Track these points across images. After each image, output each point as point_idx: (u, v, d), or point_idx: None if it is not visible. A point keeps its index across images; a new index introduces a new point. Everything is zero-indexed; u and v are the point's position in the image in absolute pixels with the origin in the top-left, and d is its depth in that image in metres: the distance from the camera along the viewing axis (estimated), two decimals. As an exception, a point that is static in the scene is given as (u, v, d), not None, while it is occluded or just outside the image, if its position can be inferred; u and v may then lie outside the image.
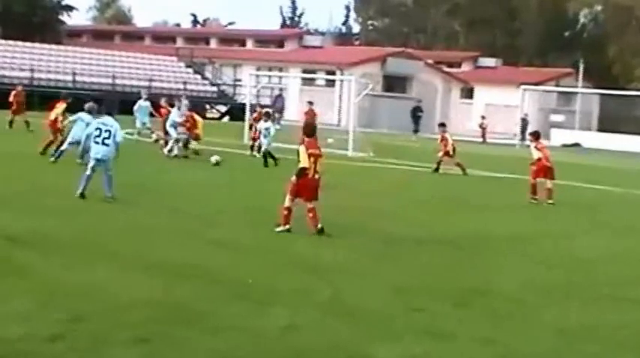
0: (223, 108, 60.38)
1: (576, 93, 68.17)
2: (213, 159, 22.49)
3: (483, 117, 58.09)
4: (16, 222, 12.04)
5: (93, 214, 13.33)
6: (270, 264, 10.54)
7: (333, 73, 62.61)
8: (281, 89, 43.61)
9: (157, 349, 7.01)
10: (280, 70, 66.80)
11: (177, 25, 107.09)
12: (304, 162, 12.90)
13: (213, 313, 8.09)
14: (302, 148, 12.99)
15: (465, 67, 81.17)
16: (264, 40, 77.35)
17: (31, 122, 28.22)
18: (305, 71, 64.94)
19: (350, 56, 68.91)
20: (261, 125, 24.87)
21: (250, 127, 28.13)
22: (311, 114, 30.26)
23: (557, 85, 71.44)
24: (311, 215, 12.79)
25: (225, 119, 58.96)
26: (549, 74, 76.23)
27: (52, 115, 21.78)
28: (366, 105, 56.25)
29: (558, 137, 58.56)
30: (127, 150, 16.15)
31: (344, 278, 10.03)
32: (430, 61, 73.92)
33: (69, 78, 50.23)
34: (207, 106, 59.75)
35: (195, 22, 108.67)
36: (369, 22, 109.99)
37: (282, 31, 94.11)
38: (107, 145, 14.78)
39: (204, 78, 61.26)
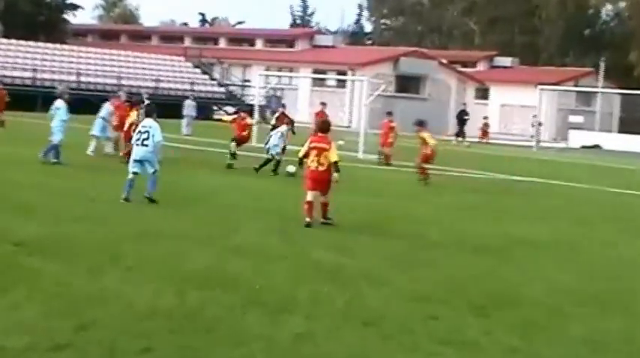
0: (231, 110, 60.42)
1: (596, 93, 67.92)
2: (290, 169, 22.11)
3: (486, 118, 58.22)
4: (26, 227, 11.98)
5: (107, 219, 13.27)
6: (288, 271, 10.44)
7: (345, 74, 62.58)
8: (275, 89, 43.49)
9: (168, 359, 6.94)
10: (290, 70, 66.83)
11: (185, 24, 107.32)
12: (301, 152, 14.38)
13: (227, 321, 8.01)
14: (308, 141, 14.35)
15: (481, 67, 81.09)
16: (273, 39, 77.39)
17: (33, 124, 28.30)
18: (316, 71, 64.94)
19: (362, 56, 68.89)
20: (280, 130, 23.92)
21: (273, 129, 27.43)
22: (322, 116, 30.10)
23: (576, 85, 71.20)
24: (321, 207, 14.09)
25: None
26: (568, 74, 76.02)
27: (126, 126, 21.92)
28: (379, 107, 56.16)
29: (577, 138, 58.38)
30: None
31: (363, 284, 9.92)
32: (444, 61, 73.81)
33: (73, 78, 50.35)
34: (215, 107, 59.83)
35: (203, 21, 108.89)
36: (383, 21, 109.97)
37: (293, 30, 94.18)
38: (146, 146, 15.42)
39: (212, 78, 61.36)
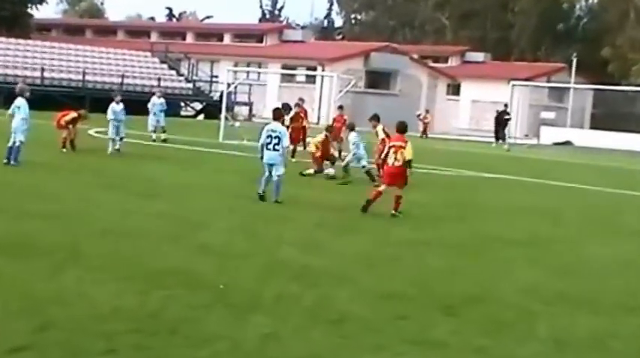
0: (199, 106, 60.21)
1: (568, 88, 68.38)
2: (329, 171, 21.92)
3: (427, 111, 58.76)
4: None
5: (68, 218, 13.17)
6: (254, 270, 10.41)
7: (314, 69, 62.61)
8: (229, 85, 43.31)
9: (131, 360, 6.91)
10: (259, 65, 66.67)
11: (152, 19, 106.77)
12: (384, 152, 16.26)
13: (192, 321, 7.97)
14: (387, 140, 17.02)
15: (453, 62, 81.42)
16: (242, 34, 77.23)
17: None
18: (285, 67, 64.88)
19: (332, 51, 68.91)
20: (351, 138, 22.39)
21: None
22: (341, 121, 29.10)
23: (548, 81, 71.63)
24: (394, 198, 15.70)
25: (201, 117, 58.82)
26: (540, 69, 76.46)
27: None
28: (349, 103, 56.25)
29: (549, 135, 58.79)
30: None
31: (330, 283, 9.93)
32: (416, 56, 74.01)
33: (37, 74, 49.89)
34: (182, 104, 59.60)
35: (170, 15, 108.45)
36: (353, 15, 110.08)
37: (262, 25, 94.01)
38: (277, 151, 16.40)
39: (179, 74, 61.05)
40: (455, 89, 77.21)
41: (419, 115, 57.66)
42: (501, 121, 49.97)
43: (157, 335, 7.51)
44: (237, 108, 55.22)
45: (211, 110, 52.65)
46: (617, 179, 29.93)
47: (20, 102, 19.73)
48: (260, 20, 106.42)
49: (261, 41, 74.88)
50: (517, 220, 17.13)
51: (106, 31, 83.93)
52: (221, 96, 48.28)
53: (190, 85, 60.17)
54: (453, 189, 22.32)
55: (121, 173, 19.89)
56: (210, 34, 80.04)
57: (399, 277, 10.62)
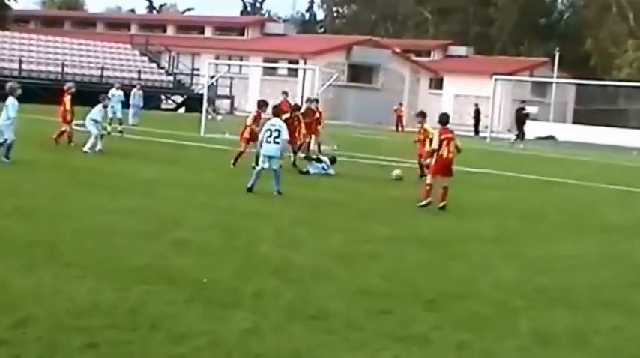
0: (179, 99, 60.06)
1: (551, 83, 68.67)
2: (395, 173, 21.92)
3: (400, 104, 59.01)
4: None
5: (47, 215, 13.10)
6: (234, 265, 10.40)
7: (296, 63, 62.56)
8: (212, 77, 43.26)
9: (109, 356, 6.88)
10: (241, 59, 66.60)
11: (132, 11, 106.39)
12: (435, 144, 16.62)
13: (171, 317, 7.97)
14: (436, 134, 16.91)
15: (435, 56, 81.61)
16: (223, 27, 77.12)
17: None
18: (266, 60, 64.86)
19: (314, 45, 68.89)
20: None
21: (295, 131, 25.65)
22: (285, 106, 29.72)
23: (531, 75, 71.92)
24: (442, 191, 16.48)
25: (181, 110, 58.67)
26: (523, 64, 76.79)
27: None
28: (331, 97, 56.30)
29: (532, 129, 59.00)
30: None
31: (310, 279, 9.94)
32: (398, 50, 74.09)
33: (15, 66, 49.64)
34: (163, 97, 59.44)
35: (150, 8, 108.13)
36: (335, 8, 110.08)
37: (243, 18, 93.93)
38: (277, 143, 16.75)
39: (160, 67, 60.90)
40: (437, 83, 77.41)
41: (396, 110, 57.83)
42: (521, 118, 48.90)
43: (136, 330, 7.50)
44: (218, 102, 55.17)
45: (192, 103, 52.55)
46: (600, 173, 30.09)
47: (9, 101, 19.25)
48: (241, 13, 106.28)
49: (243, 34, 74.78)
50: (495, 216, 17.15)
51: (86, 23, 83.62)
52: (209, 88, 48.29)
53: (171, 78, 60.06)
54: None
55: (99, 169, 19.79)
56: (191, 26, 79.87)
57: (379, 273, 10.64)
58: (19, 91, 19.73)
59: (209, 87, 48.07)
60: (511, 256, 12.65)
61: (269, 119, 17.59)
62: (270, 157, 16.83)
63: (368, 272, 10.68)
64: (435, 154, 16.74)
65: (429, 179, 16.87)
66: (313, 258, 11.28)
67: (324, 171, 22.18)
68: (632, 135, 56.91)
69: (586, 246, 14.23)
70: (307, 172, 22.17)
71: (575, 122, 69.76)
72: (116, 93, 32.18)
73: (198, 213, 14.47)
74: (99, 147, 23.15)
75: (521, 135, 47.92)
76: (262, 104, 22.08)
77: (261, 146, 17.13)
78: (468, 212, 17.23)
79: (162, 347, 7.14)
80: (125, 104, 32.25)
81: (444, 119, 17.18)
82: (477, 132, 56.92)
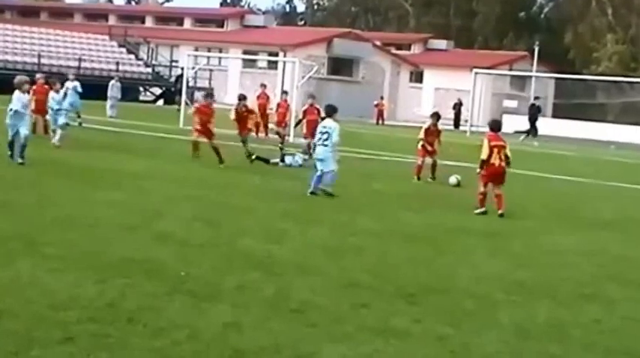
0: (158, 91, 59.84)
1: (530, 77, 68.89)
2: (453, 179, 21.54)
3: (382, 98, 59.27)
4: None
5: (26, 207, 13.01)
6: (215, 259, 10.38)
7: (276, 55, 62.45)
8: (182, 68, 43.20)
9: (88, 349, 6.83)
10: (220, 51, 66.40)
11: (110, 1, 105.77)
12: (484, 154, 15.82)
13: (151, 310, 7.94)
14: (485, 141, 15.95)
15: (416, 50, 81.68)
16: (203, 19, 76.87)
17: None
18: (246, 52, 64.71)
19: (294, 37, 68.80)
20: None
21: (298, 123, 26.97)
22: (263, 99, 30.08)
23: (510, 70, 72.15)
24: (496, 199, 15.92)
25: (160, 102, 58.46)
26: (503, 58, 77.00)
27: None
28: (311, 89, 56.18)
29: (511, 123, 59.14)
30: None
31: (291, 273, 9.93)
32: (378, 43, 74.11)
33: (-10, 56, 49.31)
34: (141, 89, 59.20)
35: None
36: (315, 1, 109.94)
37: (223, 9, 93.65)
38: (326, 146, 16.62)
39: (138, 58, 60.62)
40: (418, 77, 77.48)
41: (377, 105, 57.95)
42: (534, 114, 49.04)
43: (115, 323, 7.46)
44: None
45: (171, 95, 52.36)
46: (580, 168, 30.24)
47: (15, 96, 18.69)
48: (221, 4, 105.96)
49: (222, 26, 74.55)
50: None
51: (63, 14, 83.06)
52: (176, 80, 48.02)
53: (149, 70, 59.80)
54: (413, 179, 22.32)
55: (77, 161, 19.69)
56: (170, 18, 79.54)
57: (361, 267, 10.65)
58: (27, 86, 19.13)
59: (177, 78, 47.87)
60: (495, 251, 12.70)
61: (323, 119, 17.71)
62: (320, 160, 16.74)
63: (351, 266, 10.69)
64: (485, 164, 15.98)
65: (481, 187, 16.12)
66: (297, 252, 11.28)
67: (298, 164, 22.20)
68: (610, 129, 57.31)
69: (570, 241, 14.29)
70: (268, 161, 22.12)
71: (554, 116, 70.04)
72: (70, 85, 31.62)
73: (181, 205, 14.41)
74: (56, 138, 22.65)
75: (533, 131, 47.83)
76: (241, 98, 22.53)
77: (313, 149, 17.27)
78: (453, 206, 17.26)
79: (140, 341, 7.11)
80: (82, 95, 31.50)
81: (495, 126, 16.43)
82: (456, 126, 57.12)
